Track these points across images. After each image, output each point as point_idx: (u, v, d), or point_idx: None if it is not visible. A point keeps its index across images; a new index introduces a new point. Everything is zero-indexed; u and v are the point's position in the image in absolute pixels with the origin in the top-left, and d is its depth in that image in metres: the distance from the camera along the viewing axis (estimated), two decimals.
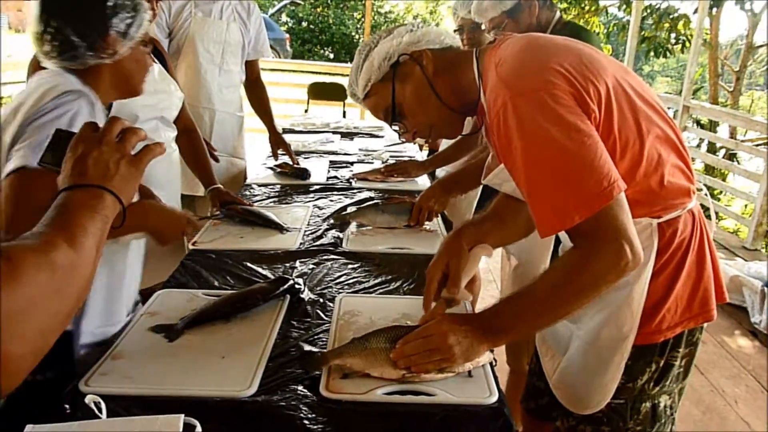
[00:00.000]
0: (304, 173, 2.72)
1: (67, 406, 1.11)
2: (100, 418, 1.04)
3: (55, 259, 0.72)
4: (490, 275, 3.94)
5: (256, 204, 2.35)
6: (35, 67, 1.56)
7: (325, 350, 1.30)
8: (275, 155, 2.99)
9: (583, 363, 1.29)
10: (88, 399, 1.07)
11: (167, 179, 2.08)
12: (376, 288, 1.66)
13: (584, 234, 1.06)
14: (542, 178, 1.07)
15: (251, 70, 3.01)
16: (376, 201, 2.12)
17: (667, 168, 1.17)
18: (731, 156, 8.47)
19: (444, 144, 2.86)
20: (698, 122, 8.50)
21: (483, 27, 2.24)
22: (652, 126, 1.16)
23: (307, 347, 1.33)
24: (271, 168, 2.85)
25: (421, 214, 2.03)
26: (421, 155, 3.32)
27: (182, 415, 1.03)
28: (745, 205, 7.29)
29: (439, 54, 1.29)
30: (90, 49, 1.31)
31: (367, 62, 1.30)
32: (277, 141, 3.00)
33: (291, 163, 2.86)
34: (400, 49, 1.28)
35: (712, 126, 8.39)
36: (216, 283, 1.66)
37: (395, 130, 1.36)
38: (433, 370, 1.16)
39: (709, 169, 8.09)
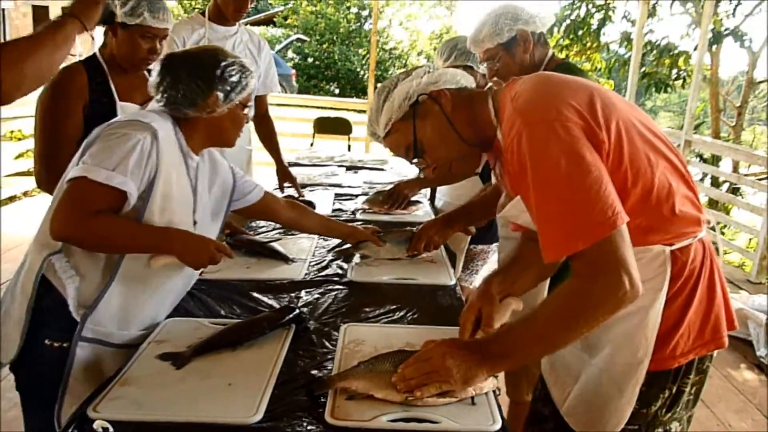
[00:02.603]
0: (309, 205, 2.75)
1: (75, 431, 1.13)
2: None
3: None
4: None
5: (262, 235, 2.38)
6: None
7: (330, 375, 1.32)
8: (281, 188, 3.03)
9: (598, 389, 1.31)
10: (96, 425, 1.09)
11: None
12: (380, 317, 1.68)
13: (585, 262, 1.08)
14: (549, 205, 1.11)
15: (260, 105, 3.07)
16: (378, 232, 2.15)
17: (678, 197, 1.21)
18: (734, 190, 8.49)
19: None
20: (701, 156, 8.55)
21: (477, 58, 2.32)
22: (661, 157, 1.21)
23: (314, 371, 1.35)
24: None
25: (420, 242, 2.05)
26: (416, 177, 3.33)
27: None
28: (750, 239, 7.27)
29: (456, 93, 1.35)
30: (191, 105, 1.51)
31: (387, 102, 1.36)
32: (283, 173, 3.04)
33: (297, 195, 2.90)
34: (419, 89, 1.34)
35: (715, 160, 8.43)
36: (222, 312, 1.68)
37: (415, 164, 1.41)
38: (433, 393, 1.17)
39: (712, 203, 8.10)
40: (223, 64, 1.53)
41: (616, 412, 1.27)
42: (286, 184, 3.02)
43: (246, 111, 1.63)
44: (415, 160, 1.39)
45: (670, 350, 1.24)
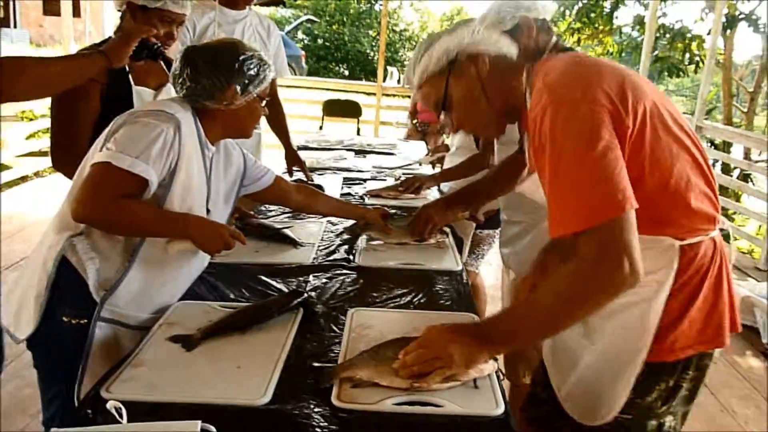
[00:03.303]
0: (318, 189, 2.77)
1: (89, 411, 1.16)
2: (120, 423, 1.09)
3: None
4: (498, 292, 3.96)
5: (271, 219, 2.40)
6: None
7: (335, 365, 1.34)
8: (290, 172, 3.05)
9: (596, 374, 1.32)
10: (110, 405, 1.11)
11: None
12: (387, 302, 1.70)
13: (589, 243, 1.08)
14: (562, 181, 1.11)
15: (269, 88, 3.07)
16: (390, 215, 2.17)
17: (695, 193, 1.21)
18: (745, 177, 8.43)
19: (449, 161, 2.91)
20: (712, 142, 8.47)
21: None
22: (683, 150, 1.21)
23: (317, 364, 1.35)
24: None
25: (420, 221, 2.07)
26: (433, 174, 3.37)
27: (199, 422, 1.07)
28: (759, 226, 7.23)
29: (494, 59, 1.36)
30: (209, 97, 1.55)
31: (426, 54, 1.38)
32: (292, 157, 3.05)
33: (305, 179, 2.91)
34: (459, 47, 1.35)
35: (726, 147, 8.36)
36: (232, 296, 1.71)
37: (441, 120, 1.44)
38: (437, 379, 1.20)
39: (723, 190, 8.06)
40: (242, 57, 1.56)
41: (610, 399, 1.28)
42: (294, 168, 3.04)
43: (263, 103, 1.67)
44: (441, 116, 1.41)
45: (670, 343, 1.25)
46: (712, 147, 8.36)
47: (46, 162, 6.18)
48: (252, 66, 1.58)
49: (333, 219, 2.42)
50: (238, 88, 1.57)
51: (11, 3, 20.34)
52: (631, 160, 1.13)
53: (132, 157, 1.40)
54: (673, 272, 1.22)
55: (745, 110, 10.49)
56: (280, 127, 3.12)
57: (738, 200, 7.95)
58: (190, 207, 1.57)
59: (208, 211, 1.67)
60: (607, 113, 1.12)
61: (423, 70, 1.39)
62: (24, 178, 6.21)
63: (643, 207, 1.10)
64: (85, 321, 1.49)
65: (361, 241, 2.16)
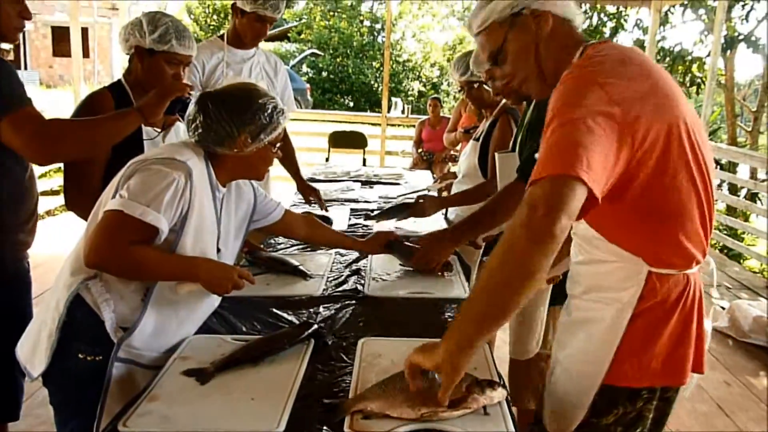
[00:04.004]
0: (327, 221, 2.81)
1: None
2: None
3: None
4: None
5: (280, 252, 2.44)
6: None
7: (346, 399, 1.33)
8: (308, 201, 3.07)
9: (561, 389, 1.36)
10: None
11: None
12: (396, 331, 1.72)
13: (536, 193, 1.05)
14: (550, 138, 1.10)
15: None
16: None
17: (686, 230, 1.21)
18: (753, 196, 8.43)
19: (456, 188, 2.94)
20: (717, 163, 8.50)
21: (482, 78, 2.39)
22: (690, 184, 1.19)
23: (327, 401, 1.34)
24: None
25: (422, 258, 2.11)
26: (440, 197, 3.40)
27: None
28: None
29: (557, 23, 1.32)
30: (219, 144, 1.59)
31: (493, 2, 1.34)
32: (306, 189, 3.08)
33: (321, 208, 2.96)
34: (526, 2, 1.31)
35: (732, 167, 8.38)
36: (244, 329, 1.73)
37: (488, 77, 1.42)
38: (458, 411, 1.21)
39: (731, 210, 8.05)
40: (255, 106, 1.59)
41: (568, 415, 1.31)
42: (311, 198, 3.07)
43: (276, 149, 1.70)
44: (487, 66, 1.42)
45: (629, 369, 1.26)
46: (718, 167, 8.38)
47: (58, 201, 6.27)
48: (265, 114, 1.60)
49: (342, 250, 2.45)
50: (249, 135, 1.60)
51: (21, 46, 20.79)
52: (631, 177, 1.13)
53: (143, 205, 1.43)
54: (637, 295, 1.23)
55: (749, 129, 10.51)
56: (289, 162, 3.16)
57: (747, 220, 7.94)
58: (202, 250, 1.61)
59: (218, 250, 1.71)
60: (618, 111, 1.10)
61: (485, 17, 1.34)
62: None
63: (630, 225, 1.11)
64: (101, 358, 1.51)
65: (368, 271, 2.19)
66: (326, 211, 2.96)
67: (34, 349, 1.57)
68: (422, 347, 1.19)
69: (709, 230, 1.26)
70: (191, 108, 1.62)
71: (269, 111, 1.61)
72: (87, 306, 1.52)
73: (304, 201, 3.11)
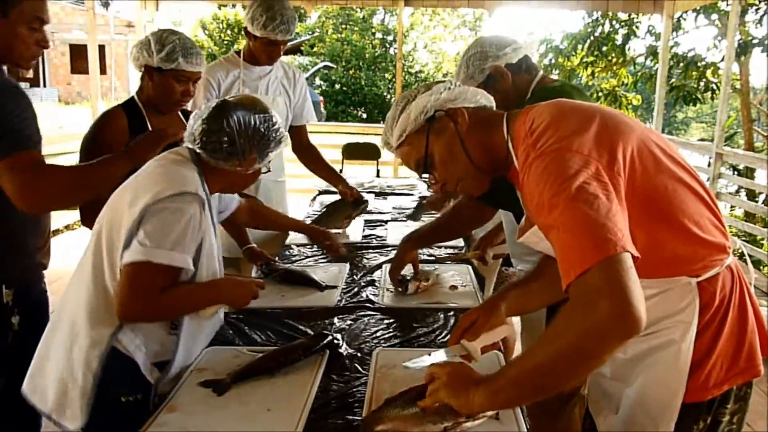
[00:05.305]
0: (360, 202, 2.94)
1: None
2: None
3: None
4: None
5: (294, 264, 2.46)
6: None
7: (364, 417, 1.31)
8: (359, 198, 3.02)
9: (635, 422, 1.30)
10: None
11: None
12: (411, 341, 1.73)
13: (583, 287, 0.98)
14: (559, 232, 1.06)
15: (301, 135, 3.12)
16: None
17: (702, 224, 1.20)
18: None
19: None
20: (735, 168, 8.41)
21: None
22: (680, 185, 1.19)
23: (341, 421, 1.33)
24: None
25: (394, 272, 2.12)
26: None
27: None
28: None
29: (473, 112, 1.34)
30: (225, 160, 1.58)
31: (404, 114, 1.36)
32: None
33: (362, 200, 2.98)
34: (437, 104, 1.34)
35: (749, 172, 8.29)
36: (259, 340, 1.75)
37: (424, 180, 1.45)
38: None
39: (749, 216, 7.96)
40: (270, 128, 1.61)
41: None
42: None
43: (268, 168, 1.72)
44: (424, 176, 1.41)
45: (702, 382, 1.22)
46: (736, 173, 8.30)
47: (75, 216, 6.36)
48: (275, 135, 1.63)
49: (356, 263, 2.46)
50: (258, 156, 1.61)
51: (40, 63, 21.15)
52: (626, 204, 1.09)
53: (168, 249, 1.43)
54: (696, 311, 1.20)
55: (766, 134, 10.41)
56: (324, 169, 3.17)
57: (766, 226, 7.84)
58: (213, 271, 1.63)
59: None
60: (594, 162, 1.09)
61: (402, 130, 1.36)
62: (55, 232, 6.39)
63: (651, 249, 1.07)
64: (141, 396, 1.52)
65: (382, 282, 2.20)
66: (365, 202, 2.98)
67: (62, 403, 1.49)
68: (448, 382, 1.17)
69: (720, 216, 1.25)
70: (202, 119, 1.58)
71: (278, 132, 1.64)
72: (120, 354, 1.50)
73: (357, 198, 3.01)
